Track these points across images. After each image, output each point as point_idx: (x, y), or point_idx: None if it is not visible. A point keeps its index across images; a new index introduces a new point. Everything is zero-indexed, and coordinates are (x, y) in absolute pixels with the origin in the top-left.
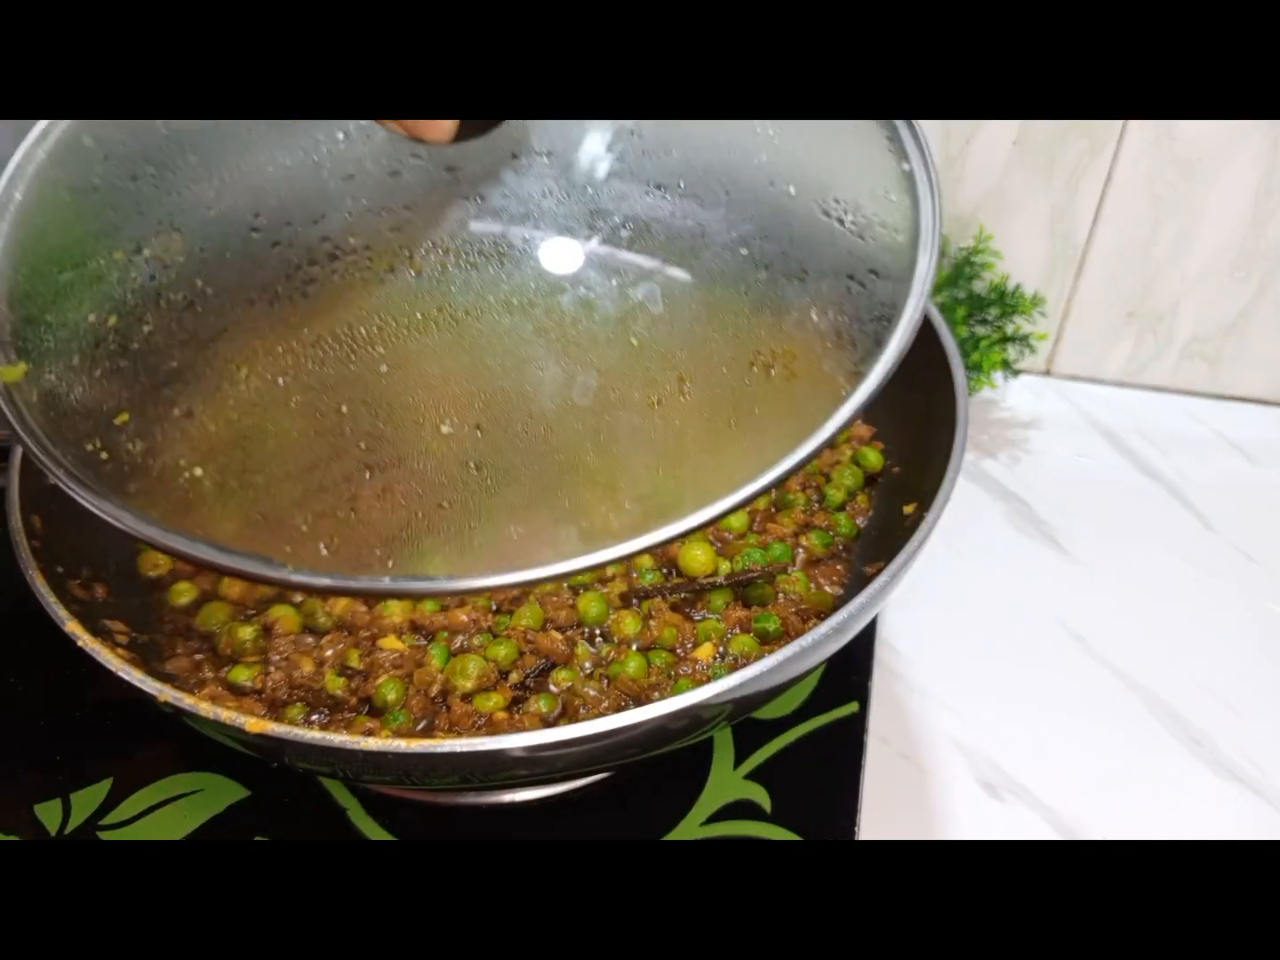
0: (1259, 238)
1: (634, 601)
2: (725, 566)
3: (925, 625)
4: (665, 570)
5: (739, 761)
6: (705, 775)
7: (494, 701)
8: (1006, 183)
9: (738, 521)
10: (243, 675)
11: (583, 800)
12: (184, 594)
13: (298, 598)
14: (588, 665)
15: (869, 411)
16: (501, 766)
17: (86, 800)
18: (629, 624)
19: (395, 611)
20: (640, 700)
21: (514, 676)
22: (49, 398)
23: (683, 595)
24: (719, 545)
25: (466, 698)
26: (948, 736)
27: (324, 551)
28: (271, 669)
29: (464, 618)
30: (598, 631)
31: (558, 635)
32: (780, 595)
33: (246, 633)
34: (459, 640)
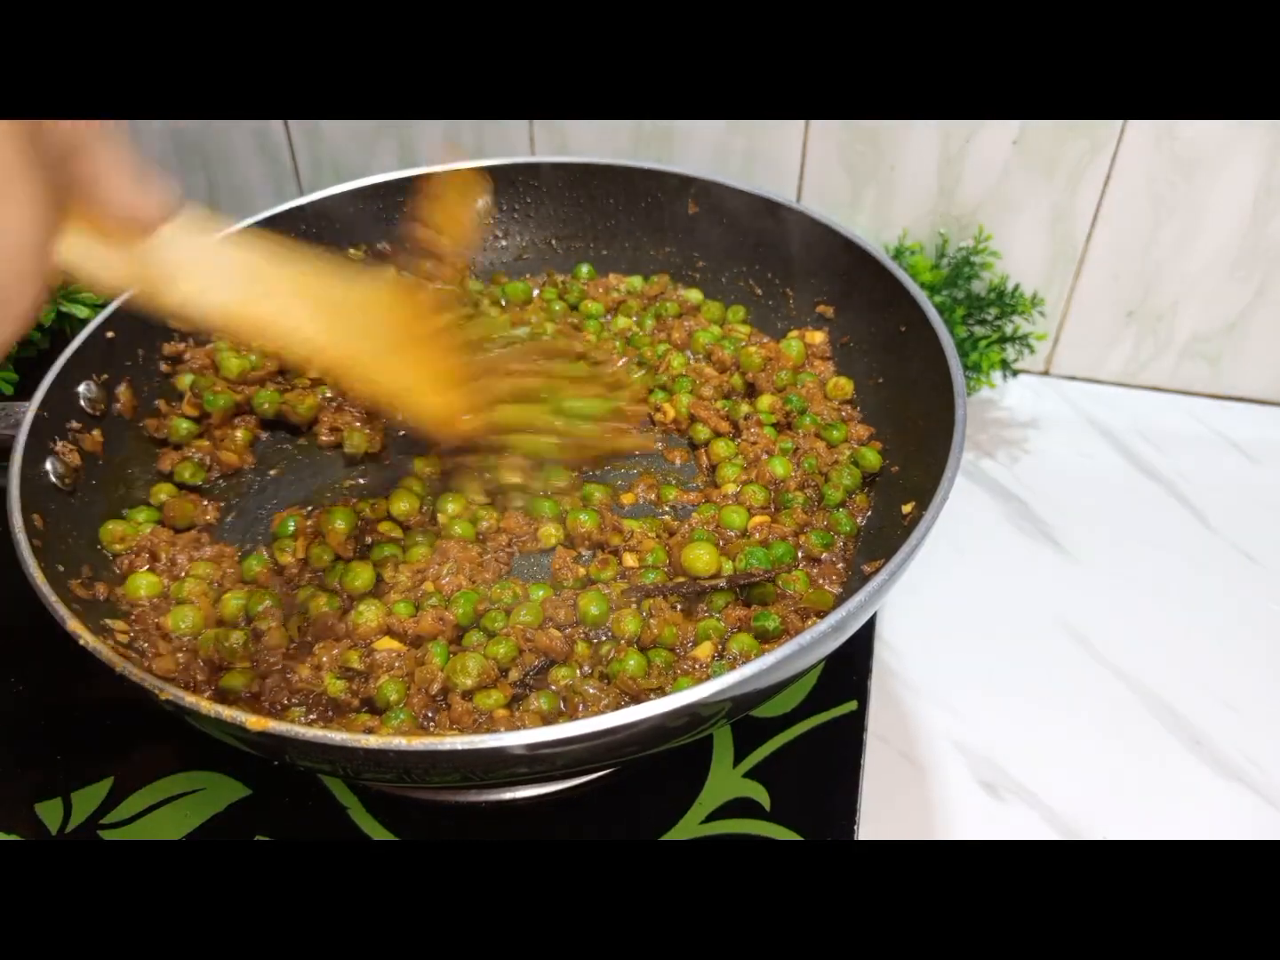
0: (1259, 238)
1: (635, 601)
2: (728, 566)
3: (924, 624)
4: (667, 569)
5: (738, 760)
6: (705, 773)
7: (494, 699)
8: (1006, 183)
9: (739, 519)
10: (237, 681)
11: (583, 798)
12: (143, 588)
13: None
14: (587, 664)
15: (869, 412)
16: (502, 764)
17: (87, 799)
18: (629, 623)
19: (370, 618)
20: (639, 698)
21: (514, 674)
22: None
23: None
24: (721, 544)
25: (467, 695)
26: (947, 735)
27: None
28: (268, 674)
29: (431, 620)
30: (598, 630)
31: (557, 633)
32: (780, 594)
33: (236, 638)
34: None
